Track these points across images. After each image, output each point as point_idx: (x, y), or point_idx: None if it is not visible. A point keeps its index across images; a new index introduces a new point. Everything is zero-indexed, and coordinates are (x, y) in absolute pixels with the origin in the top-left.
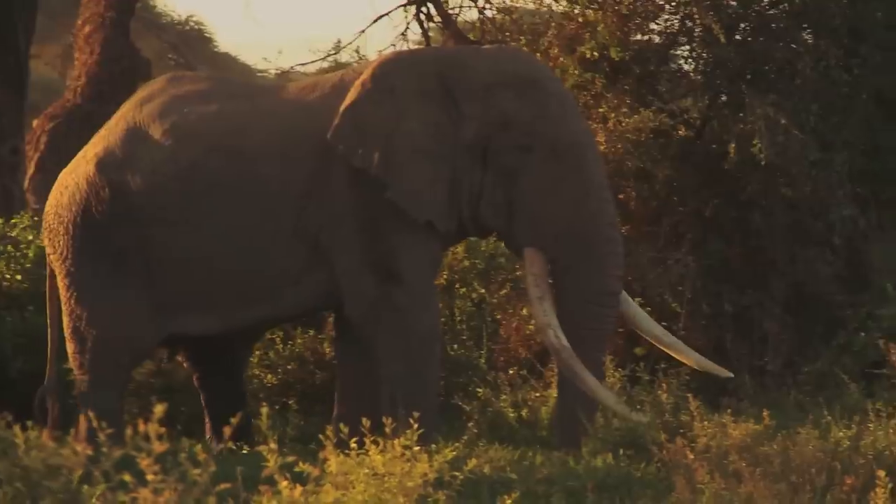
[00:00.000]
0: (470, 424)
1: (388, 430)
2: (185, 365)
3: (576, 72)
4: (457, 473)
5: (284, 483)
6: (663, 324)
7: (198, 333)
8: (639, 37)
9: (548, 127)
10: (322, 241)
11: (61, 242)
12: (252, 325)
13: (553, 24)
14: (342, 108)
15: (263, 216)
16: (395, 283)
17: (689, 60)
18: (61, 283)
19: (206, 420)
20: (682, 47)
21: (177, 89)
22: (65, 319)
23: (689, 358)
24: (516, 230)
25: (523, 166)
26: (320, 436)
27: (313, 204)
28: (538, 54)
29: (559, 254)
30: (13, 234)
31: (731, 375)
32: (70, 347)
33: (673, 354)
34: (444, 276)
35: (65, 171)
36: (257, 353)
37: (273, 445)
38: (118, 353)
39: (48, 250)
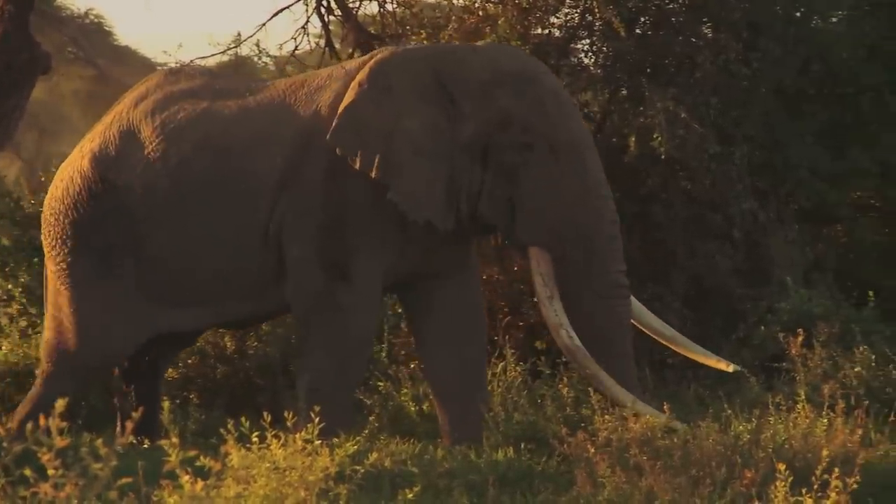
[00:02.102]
0: (371, 418)
1: (289, 423)
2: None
3: None
4: (358, 467)
5: (186, 477)
6: None
7: (188, 330)
8: (539, 31)
9: (546, 125)
10: (283, 230)
11: (52, 233)
12: (240, 320)
13: (453, 17)
14: (340, 108)
15: (248, 212)
16: (343, 283)
17: (590, 54)
18: (50, 271)
19: (118, 418)
20: (583, 41)
21: (171, 86)
22: (48, 307)
23: (691, 351)
24: (519, 229)
25: (523, 164)
26: (221, 430)
27: (285, 196)
28: None
29: (564, 252)
30: None
31: (739, 369)
32: (45, 334)
33: (673, 347)
34: None
35: (63, 164)
36: None
37: (174, 440)
38: (91, 349)
39: (43, 241)
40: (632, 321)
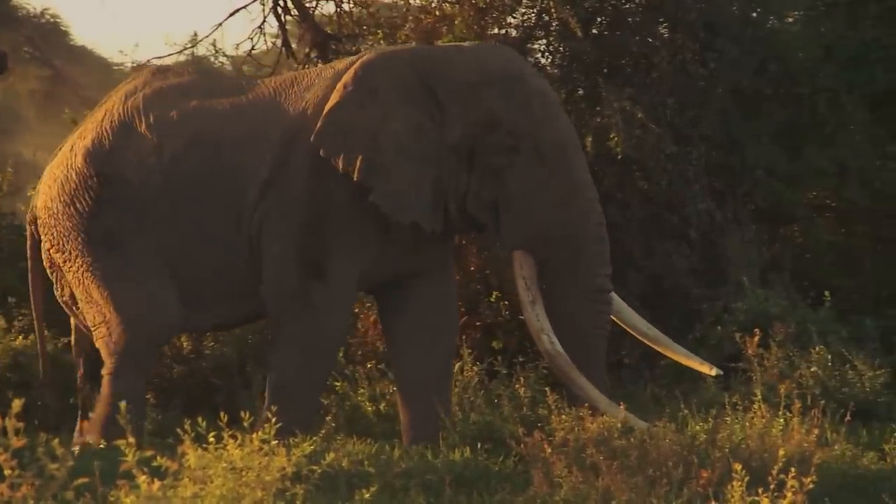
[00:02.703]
0: (328, 418)
1: (246, 423)
2: (76, 360)
3: None
4: (315, 467)
5: (142, 477)
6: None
7: (186, 331)
8: (496, 31)
9: (533, 126)
10: (264, 227)
11: (55, 234)
12: (235, 322)
13: (410, 17)
14: (325, 110)
15: (236, 209)
16: (318, 281)
17: (546, 54)
18: (69, 273)
19: (79, 418)
20: (539, 41)
21: (161, 83)
22: (85, 310)
23: (675, 353)
24: (503, 231)
25: (509, 166)
26: (178, 430)
27: (271, 194)
28: None
29: (550, 255)
30: None
31: (721, 373)
32: (96, 333)
33: (657, 348)
34: None
35: (51, 165)
36: None
37: (131, 440)
38: (141, 329)
39: (45, 246)
40: (616, 320)
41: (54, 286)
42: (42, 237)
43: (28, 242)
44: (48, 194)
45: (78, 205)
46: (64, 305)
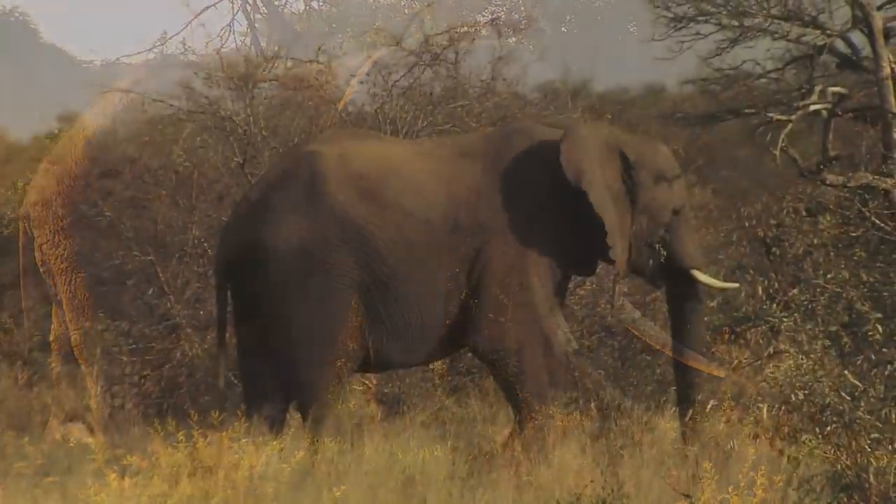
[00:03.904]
0: (298, 415)
1: (216, 423)
2: (54, 358)
3: None
4: (284, 465)
5: (112, 476)
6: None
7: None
8: (465, 29)
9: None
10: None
11: (49, 230)
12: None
13: (380, 16)
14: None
15: None
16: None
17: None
18: (59, 273)
19: (53, 413)
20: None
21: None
22: (67, 312)
23: (685, 356)
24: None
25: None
26: (149, 428)
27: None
28: (365, 47)
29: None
30: None
31: (731, 374)
32: (73, 341)
33: (667, 352)
34: None
35: (48, 159)
36: None
37: (101, 438)
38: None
39: (38, 242)
40: (627, 327)
41: (46, 283)
42: (35, 233)
43: (21, 240)
44: (45, 185)
45: (77, 199)
46: (55, 303)
